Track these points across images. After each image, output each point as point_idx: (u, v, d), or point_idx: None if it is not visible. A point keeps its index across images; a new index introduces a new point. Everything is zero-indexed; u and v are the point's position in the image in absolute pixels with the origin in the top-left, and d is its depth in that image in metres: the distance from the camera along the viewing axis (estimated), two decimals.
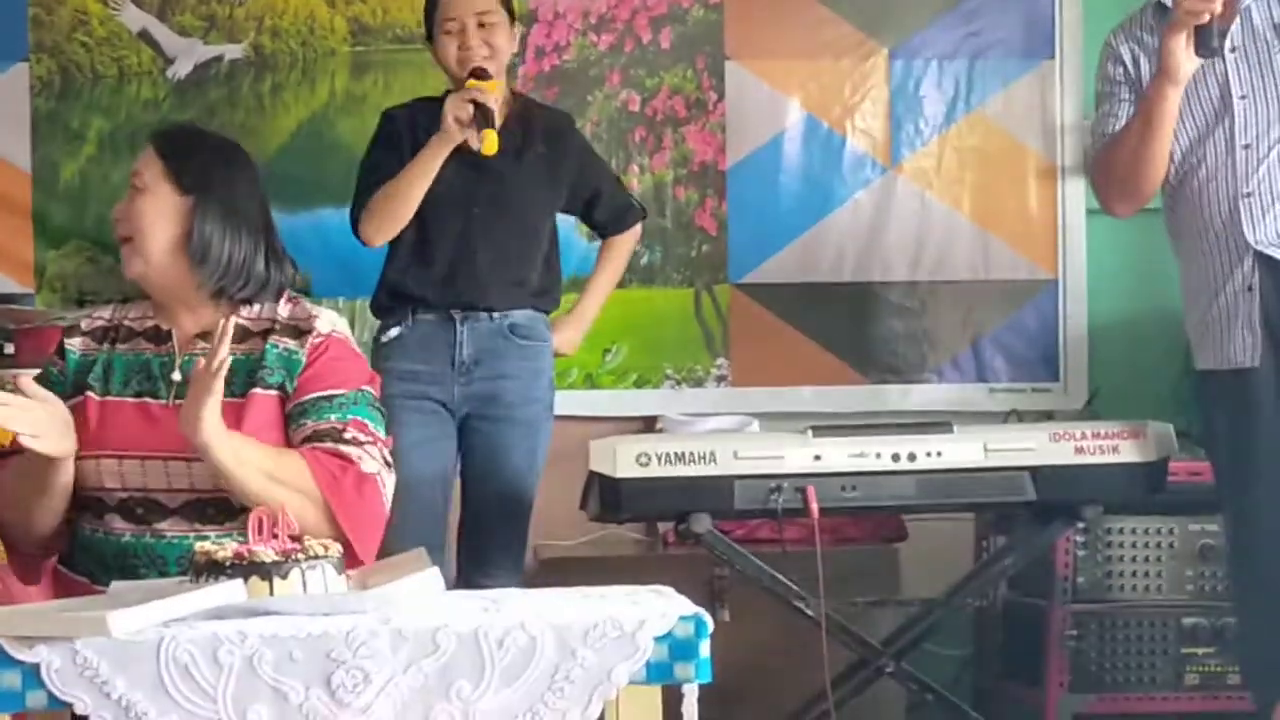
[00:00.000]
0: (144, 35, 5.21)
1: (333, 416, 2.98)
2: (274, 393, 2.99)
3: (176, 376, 3.02)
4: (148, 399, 3.01)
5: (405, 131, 4.17)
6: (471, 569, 4.12)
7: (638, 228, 4.53)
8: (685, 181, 5.34)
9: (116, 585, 2.71)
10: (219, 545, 2.58)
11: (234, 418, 2.91)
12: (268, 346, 3.02)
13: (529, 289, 4.23)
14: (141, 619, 2.34)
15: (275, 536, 2.60)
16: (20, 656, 2.32)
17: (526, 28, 5.25)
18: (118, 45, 5.19)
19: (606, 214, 4.44)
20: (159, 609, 2.37)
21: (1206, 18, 3.66)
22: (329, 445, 2.94)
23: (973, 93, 5.39)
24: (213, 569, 2.54)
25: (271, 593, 2.52)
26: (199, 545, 2.59)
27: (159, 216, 3.06)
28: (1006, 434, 4.17)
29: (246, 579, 2.52)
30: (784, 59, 5.35)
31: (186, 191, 3.06)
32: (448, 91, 4.17)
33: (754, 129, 5.35)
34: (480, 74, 4.07)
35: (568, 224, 5.13)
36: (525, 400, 4.19)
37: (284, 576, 2.54)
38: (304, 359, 3.01)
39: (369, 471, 2.95)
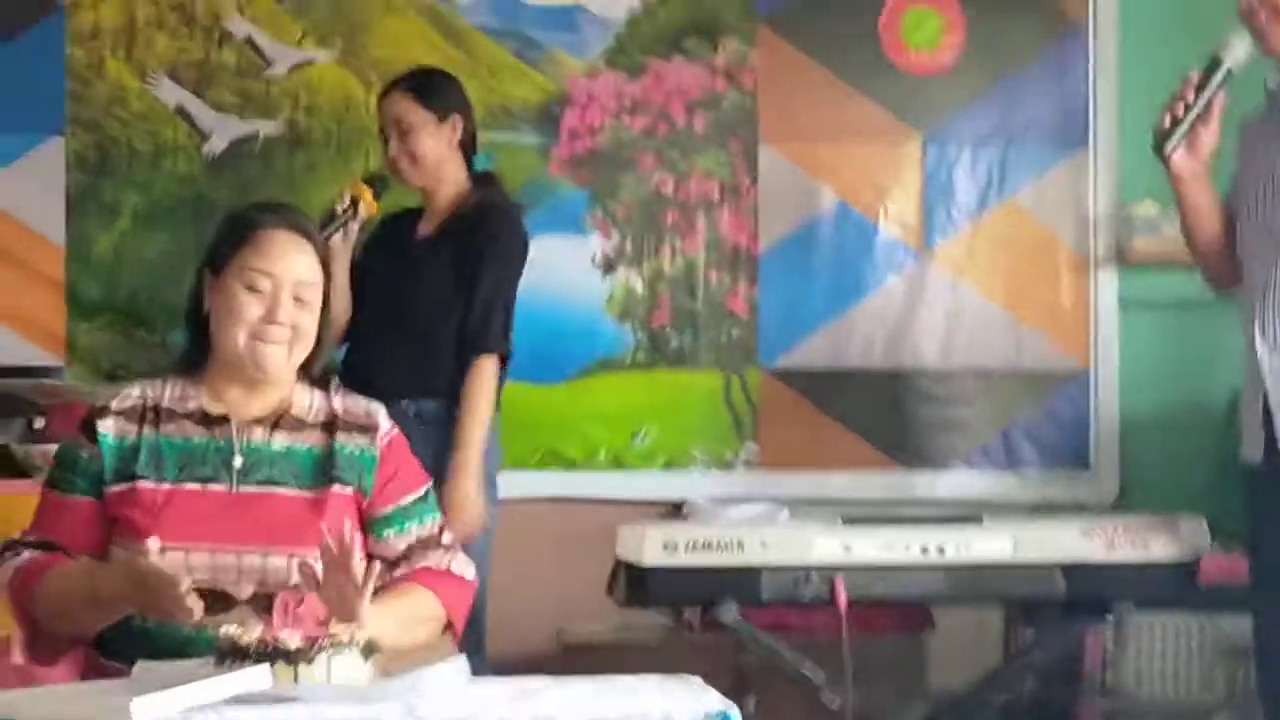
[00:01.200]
0: (180, 111, 5.23)
1: (428, 520, 3.04)
2: (350, 490, 2.97)
3: (238, 463, 2.94)
4: (209, 486, 2.91)
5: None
6: None
7: (489, 368, 4.32)
8: (717, 265, 5.34)
9: (140, 667, 2.68)
10: (244, 630, 2.56)
11: (311, 511, 2.91)
12: (337, 446, 2.98)
13: (437, 380, 4.28)
14: (165, 706, 2.32)
15: (300, 621, 2.58)
16: None
17: (560, 110, 5.29)
18: (154, 120, 5.22)
19: (468, 329, 4.31)
20: (183, 695, 2.35)
21: (1167, 120, 3.70)
22: (439, 560, 3.01)
23: (1006, 180, 5.38)
24: (238, 654, 2.52)
25: (296, 679, 2.49)
26: (224, 629, 2.57)
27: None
28: (1037, 528, 4.15)
29: (272, 664, 2.50)
30: (817, 143, 5.35)
31: (327, 279, 3.03)
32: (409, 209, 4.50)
33: (786, 213, 5.35)
34: (370, 180, 4.41)
35: (595, 305, 5.18)
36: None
37: (309, 663, 2.52)
38: (378, 458, 3.01)
39: (472, 580, 3.06)
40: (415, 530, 3.01)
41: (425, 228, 4.43)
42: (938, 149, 5.37)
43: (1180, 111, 3.70)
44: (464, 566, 3.04)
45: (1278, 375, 3.67)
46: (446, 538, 3.06)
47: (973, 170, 5.38)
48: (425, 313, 4.31)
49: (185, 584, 2.65)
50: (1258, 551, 3.87)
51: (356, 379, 4.08)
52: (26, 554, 2.89)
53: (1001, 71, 5.37)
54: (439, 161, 4.38)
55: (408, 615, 2.89)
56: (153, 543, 2.74)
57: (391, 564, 2.98)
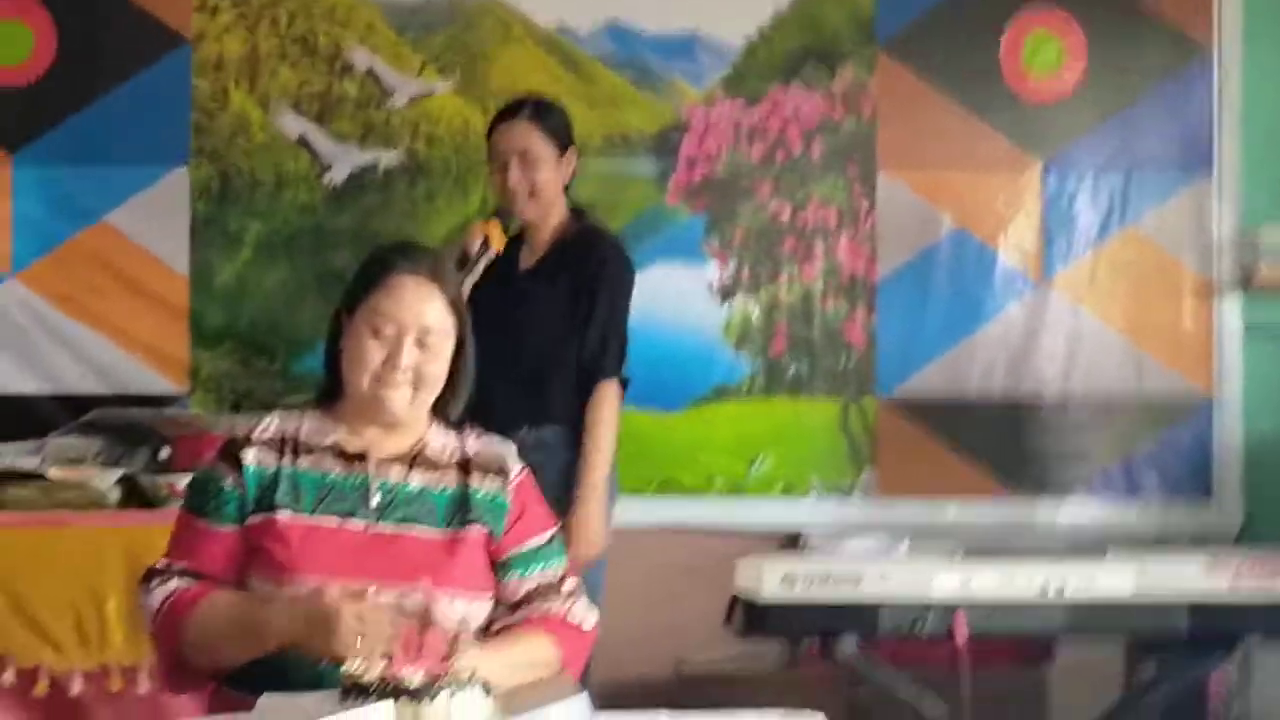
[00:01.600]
0: (302, 141, 5.29)
1: (552, 565, 3.05)
2: (483, 532, 2.99)
3: (375, 501, 2.95)
4: (347, 522, 2.92)
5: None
6: None
7: (611, 393, 4.34)
8: (834, 293, 5.33)
9: (265, 701, 2.71)
10: (367, 667, 2.58)
11: (446, 551, 2.93)
12: (471, 488, 3.01)
13: (555, 409, 4.28)
14: None
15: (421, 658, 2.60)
16: None
17: (678, 137, 5.30)
18: (276, 151, 5.28)
19: (588, 354, 4.33)
20: None
21: None
22: (558, 608, 3.00)
23: (1128, 207, 5.34)
24: (361, 691, 2.54)
25: (417, 717, 2.51)
26: (345, 667, 2.58)
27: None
28: (1160, 563, 4.10)
29: (395, 702, 2.52)
30: (936, 171, 5.33)
31: (461, 324, 3.05)
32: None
33: (905, 241, 5.33)
34: (497, 214, 4.34)
35: (713, 333, 5.19)
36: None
37: (431, 700, 2.53)
38: (509, 503, 3.03)
39: (591, 629, 3.05)
40: (538, 576, 3.02)
41: (528, 259, 4.42)
42: (1058, 176, 5.33)
43: None
44: (584, 614, 3.04)
45: None
46: (569, 584, 3.06)
47: (1094, 197, 5.34)
48: (539, 342, 4.31)
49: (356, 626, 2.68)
50: None
51: (473, 410, 4.12)
52: (175, 583, 2.90)
53: (1123, 97, 5.34)
54: (555, 195, 4.39)
55: (520, 659, 2.89)
56: (333, 587, 2.78)
57: (512, 607, 3.00)
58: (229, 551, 2.92)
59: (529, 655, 2.92)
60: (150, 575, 2.94)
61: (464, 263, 4.18)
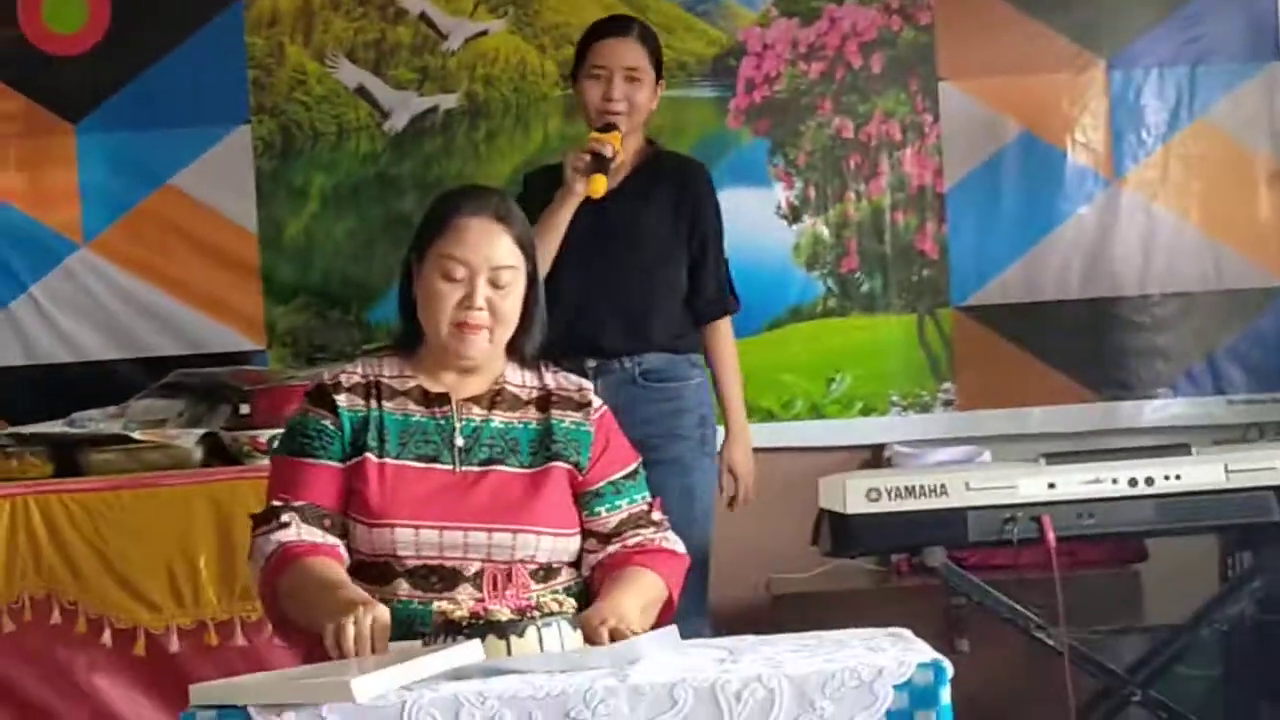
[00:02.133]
0: (360, 91, 5.30)
1: (639, 497, 3.06)
2: (568, 467, 3.00)
3: (459, 442, 2.98)
4: (433, 465, 2.96)
5: (541, 193, 4.23)
6: None
7: (729, 327, 4.38)
8: (903, 206, 5.29)
9: None
10: (456, 605, 2.60)
11: (530, 487, 2.95)
12: (554, 421, 3.02)
13: (655, 333, 4.23)
14: (384, 684, 2.36)
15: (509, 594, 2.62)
16: None
17: (736, 60, 5.27)
18: (335, 102, 5.29)
19: (710, 285, 4.31)
20: (400, 673, 2.39)
21: None
22: (652, 537, 3.02)
23: (1195, 99, 5.27)
24: (450, 629, 2.56)
25: (509, 652, 2.53)
26: (436, 605, 2.60)
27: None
28: (1248, 453, 4.06)
29: (484, 638, 2.54)
30: (998, 76, 5.27)
31: (530, 260, 3.06)
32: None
33: (971, 149, 5.28)
34: (607, 127, 4.16)
35: (783, 255, 5.18)
36: (670, 439, 4.18)
37: (520, 635, 2.56)
38: (592, 434, 3.04)
39: (684, 553, 3.06)
40: (627, 506, 3.04)
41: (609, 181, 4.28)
42: (1123, 72, 5.27)
43: None
44: (675, 542, 3.05)
45: None
46: (656, 515, 3.07)
47: (1160, 91, 5.28)
48: (640, 263, 4.25)
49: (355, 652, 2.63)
50: None
51: (577, 340, 4.12)
52: (294, 529, 2.89)
53: None
54: (645, 119, 4.32)
55: (647, 601, 2.90)
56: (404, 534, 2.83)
57: (603, 538, 3.01)
58: (339, 488, 2.95)
59: (651, 595, 2.92)
60: (264, 517, 2.95)
61: (600, 164, 4.07)
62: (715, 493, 4.29)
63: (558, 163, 4.30)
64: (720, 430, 4.37)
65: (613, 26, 4.34)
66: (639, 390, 4.19)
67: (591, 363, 4.16)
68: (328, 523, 2.93)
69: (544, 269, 4.06)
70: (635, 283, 4.24)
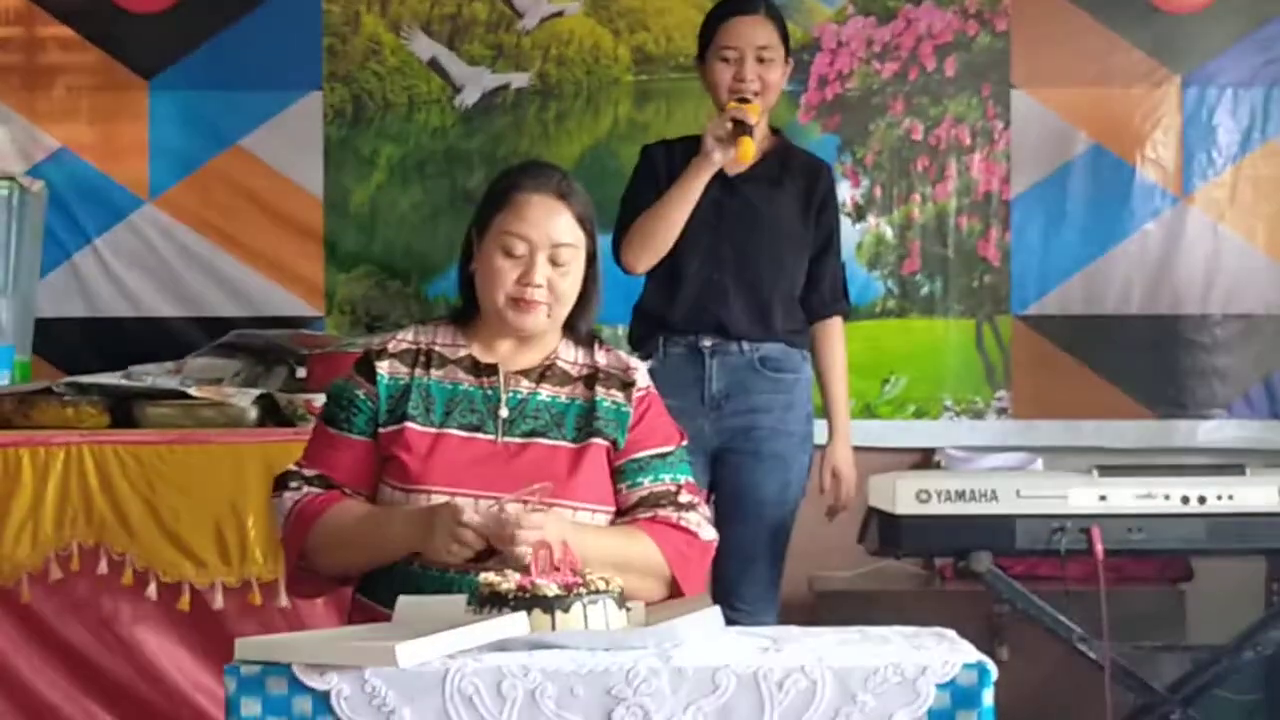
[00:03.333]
0: (433, 64, 5.31)
1: (666, 477, 3.03)
2: (606, 444, 3.00)
3: (504, 413, 2.98)
4: (476, 434, 2.97)
5: (663, 164, 4.20)
6: (724, 602, 4.09)
7: (842, 326, 4.35)
8: (968, 211, 5.28)
9: (403, 602, 2.73)
10: (503, 577, 2.61)
11: (570, 463, 2.95)
12: (598, 398, 3.02)
13: (777, 321, 4.20)
14: (428, 651, 2.37)
15: (557, 569, 2.62)
16: (311, 683, 2.36)
17: (810, 56, 5.26)
18: (408, 74, 5.31)
19: (829, 283, 4.29)
20: (445, 641, 2.40)
21: None
22: (670, 514, 2.98)
23: (1269, 121, 5.25)
24: (496, 600, 2.57)
25: (554, 626, 2.53)
26: (483, 576, 2.61)
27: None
28: None
29: (529, 611, 2.54)
30: (1072, 87, 5.26)
31: (591, 238, 3.05)
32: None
33: (1039, 158, 5.27)
34: (744, 100, 4.10)
35: (846, 253, 5.15)
36: (776, 434, 4.16)
37: (566, 610, 2.55)
38: (631, 413, 3.03)
39: (708, 540, 3.01)
40: (649, 484, 3.00)
41: (734, 164, 4.17)
42: (1197, 90, 5.24)
43: None
44: (698, 525, 3.01)
45: None
46: (685, 497, 3.03)
47: (1234, 111, 5.25)
48: (769, 257, 4.21)
49: (468, 531, 2.70)
50: None
51: (701, 318, 4.12)
52: (306, 490, 2.96)
53: (1263, 10, 5.23)
54: (775, 100, 4.27)
55: (616, 556, 2.85)
56: (466, 503, 2.80)
57: (621, 513, 3.00)
58: (358, 460, 2.98)
59: (626, 553, 2.88)
60: (282, 480, 3.00)
61: (744, 130, 4.00)
62: (804, 490, 4.26)
63: (681, 136, 4.28)
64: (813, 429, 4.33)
65: (741, 4, 4.23)
66: (756, 377, 4.17)
67: (708, 342, 4.15)
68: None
69: (670, 240, 4.09)
70: (764, 268, 4.19)
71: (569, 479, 2.94)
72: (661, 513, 2.98)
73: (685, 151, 4.17)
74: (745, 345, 4.16)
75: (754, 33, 4.18)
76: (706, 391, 4.13)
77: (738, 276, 4.16)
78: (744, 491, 4.12)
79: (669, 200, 4.07)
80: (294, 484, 2.98)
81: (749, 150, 4.00)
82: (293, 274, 5.27)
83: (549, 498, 2.87)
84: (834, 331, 4.31)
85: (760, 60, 4.17)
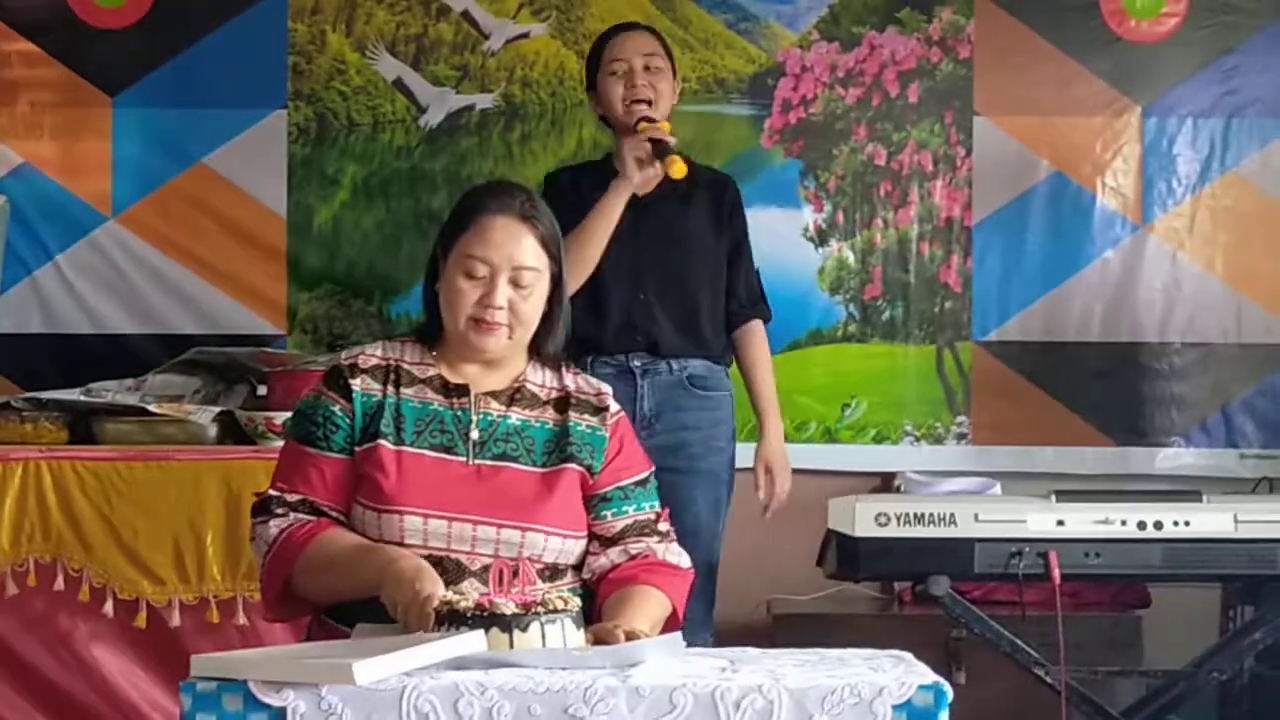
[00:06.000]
0: (398, 84, 5.32)
1: (646, 505, 3.06)
2: (580, 470, 3.00)
3: (475, 435, 2.97)
4: (447, 455, 2.95)
5: (571, 191, 4.24)
6: None
7: (763, 329, 4.38)
8: (930, 237, 5.30)
9: (361, 629, 2.74)
10: (460, 595, 2.61)
11: (544, 487, 2.95)
12: (571, 423, 3.02)
13: (707, 334, 4.24)
14: (385, 669, 2.37)
15: (516, 588, 2.62)
16: (268, 700, 2.36)
17: (774, 81, 5.28)
18: (373, 94, 5.31)
19: (744, 289, 4.33)
20: (402, 659, 2.40)
21: None
22: (656, 548, 3.01)
23: (1229, 152, 5.28)
24: (454, 618, 2.57)
25: (511, 645, 2.53)
26: (441, 594, 2.61)
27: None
28: (1258, 505, 4.05)
29: (487, 630, 2.54)
30: (1034, 115, 5.29)
31: (555, 261, 3.05)
32: (608, 154, 4.32)
33: (1001, 185, 5.29)
34: (649, 120, 4.14)
35: (808, 277, 5.18)
36: (707, 451, 4.21)
37: (524, 629, 2.55)
38: (607, 438, 3.04)
39: (689, 569, 3.06)
40: (633, 513, 3.03)
41: (646, 186, 4.22)
42: (1158, 120, 5.28)
43: None
44: (679, 556, 3.05)
45: None
46: (663, 525, 3.07)
47: (1194, 141, 5.28)
48: (692, 272, 4.26)
49: (433, 603, 2.64)
50: None
51: (632, 338, 4.14)
52: (294, 517, 2.93)
53: (1226, 39, 5.27)
54: (670, 111, 4.30)
55: (655, 621, 2.90)
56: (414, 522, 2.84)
57: (606, 541, 3.01)
58: (338, 479, 2.95)
59: (657, 614, 2.91)
60: (264, 505, 2.97)
61: (662, 150, 4.05)
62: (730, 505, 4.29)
63: (583, 162, 4.31)
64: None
65: (613, 30, 4.35)
66: (685, 395, 4.20)
67: (637, 362, 4.19)
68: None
69: (593, 263, 4.11)
70: (687, 283, 4.24)
71: (541, 504, 2.94)
72: (648, 546, 3.00)
73: (594, 175, 4.25)
74: (674, 364, 4.20)
75: (638, 43, 4.27)
76: (638, 411, 4.15)
77: (663, 294, 4.22)
78: (678, 509, 4.11)
79: (590, 225, 4.10)
80: (279, 510, 2.94)
81: (681, 167, 4.03)
82: (255, 292, 5.26)
83: (522, 522, 2.88)
84: (756, 335, 4.36)
85: (648, 69, 4.22)
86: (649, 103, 4.19)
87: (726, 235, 4.30)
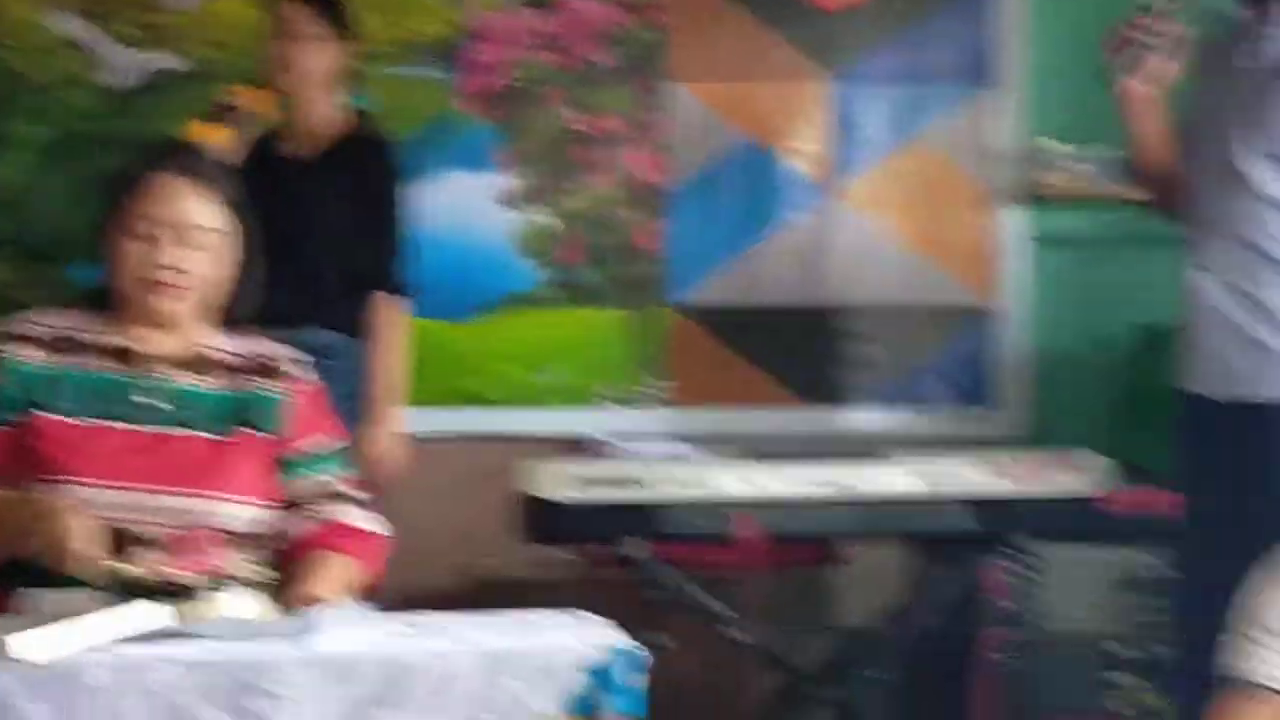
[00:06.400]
0: (81, 44, 5.15)
1: (337, 469, 3.02)
2: (263, 436, 2.95)
3: (138, 399, 2.91)
4: (120, 424, 2.88)
5: None
6: None
7: (400, 307, 4.39)
8: (626, 202, 5.32)
9: (21, 595, 2.66)
10: (131, 564, 2.55)
11: (222, 454, 2.89)
12: (251, 391, 2.96)
13: (337, 306, 4.26)
14: (47, 642, 2.29)
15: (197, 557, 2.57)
16: None
17: (469, 44, 5.24)
18: (54, 53, 5.13)
19: (372, 258, 4.34)
20: (72, 632, 2.32)
21: (1116, 44, 3.71)
22: (349, 516, 2.96)
23: (916, 119, 5.38)
24: (126, 588, 2.50)
25: (192, 616, 2.48)
26: (108, 563, 2.55)
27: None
28: (944, 464, 4.16)
29: (167, 600, 2.48)
30: (726, 81, 5.33)
31: (241, 224, 3.00)
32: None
33: (696, 150, 5.33)
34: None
35: (503, 242, 5.17)
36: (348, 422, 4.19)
37: (201, 599, 2.50)
38: (290, 404, 2.98)
39: (382, 534, 3.02)
40: (325, 477, 2.99)
41: (289, 147, 4.33)
42: (846, 87, 5.36)
43: (1134, 34, 3.66)
44: (370, 520, 3.01)
45: (1216, 306, 3.66)
46: (353, 492, 3.03)
47: (882, 108, 5.38)
48: (319, 241, 4.24)
49: (92, 546, 2.60)
50: (1190, 483, 3.81)
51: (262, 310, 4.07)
52: None
53: (912, 10, 5.37)
54: (319, 80, 4.28)
55: (341, 586, 2.85)
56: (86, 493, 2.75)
57: (289, 506, 2.96)
58: (3, 450, 2.85)
59: (346, 578, 2.87)
60: None
61: (221, 116, 4.08)
62: None
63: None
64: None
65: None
66: (320, 365, 4.15)
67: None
68: None
69: None
70: (310, 258, 4.23)
71: (217, 471, 2.88)
72: (339, 511, 2.96)
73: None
74: (304, 334, 4.15)
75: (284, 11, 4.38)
76: None
77: (286, 271, 4.14)
78: None
79: None
80: None
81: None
82: None
83: (199, 489, 2.82)
84: (386, 311, 4.34)
85: (292, 39, 4.35)
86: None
87: (367, 203, 4.26)
